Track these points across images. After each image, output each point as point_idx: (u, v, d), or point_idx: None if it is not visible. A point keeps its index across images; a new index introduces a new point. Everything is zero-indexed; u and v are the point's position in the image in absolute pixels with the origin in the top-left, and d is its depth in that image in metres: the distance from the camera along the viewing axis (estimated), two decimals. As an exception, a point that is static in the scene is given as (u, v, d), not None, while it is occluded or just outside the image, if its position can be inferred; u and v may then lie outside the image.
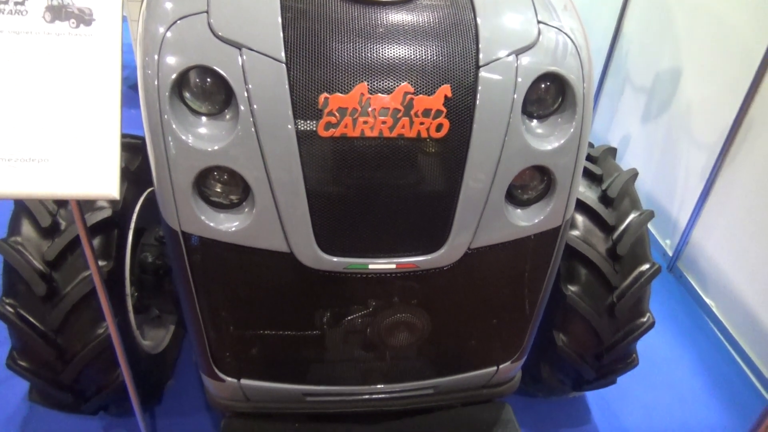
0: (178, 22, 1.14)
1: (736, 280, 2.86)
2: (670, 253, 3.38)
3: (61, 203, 1.85)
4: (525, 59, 1.24)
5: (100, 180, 1.21)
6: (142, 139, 2.18)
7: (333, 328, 1.44)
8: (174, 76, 1.13)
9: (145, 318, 2.35)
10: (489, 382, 1.66)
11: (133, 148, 2.06)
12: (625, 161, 3.94)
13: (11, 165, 1.19)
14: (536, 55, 1.25)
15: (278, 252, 1.29)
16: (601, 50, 4.26)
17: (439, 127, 1.20)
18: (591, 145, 2.33)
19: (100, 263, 1.79)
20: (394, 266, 1.33)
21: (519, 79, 1.23)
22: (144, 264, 2.12)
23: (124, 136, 2.10)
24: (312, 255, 1.30)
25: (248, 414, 1.61)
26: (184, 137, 1.17)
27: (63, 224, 1.82)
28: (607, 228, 2.03)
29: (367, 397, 1.58)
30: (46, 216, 1.80)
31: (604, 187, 2.10)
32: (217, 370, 1.50)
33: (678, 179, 3.35)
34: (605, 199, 2.07)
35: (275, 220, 1.25)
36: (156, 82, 1.14)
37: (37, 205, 1.81)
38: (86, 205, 1.86)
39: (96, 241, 1.84)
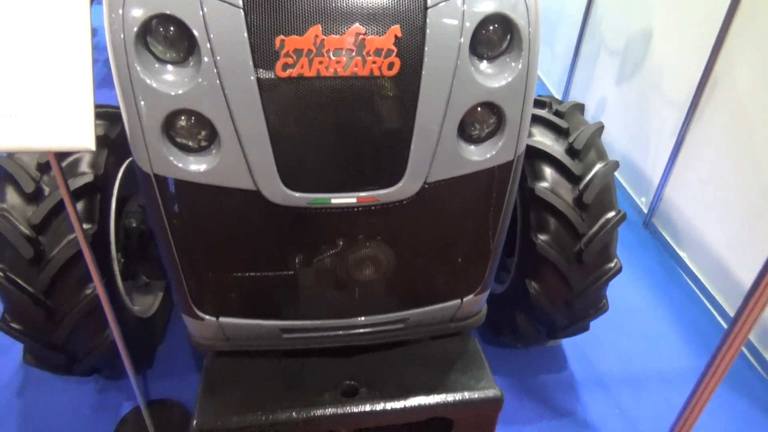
0: None
1: (706, 232, 2.97)
2: (645, 210, 3.48)
3: (44, 169, 1.91)
4: (471, 1, 1.31)
5: (76, 133, 1.27)
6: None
7: (302, 264, 1.52)
8: (138, 25, 1.20)
9: (134, 285, 2.42)
10: (455, 315, 1.75)
11: (112, 117, 2.12)
12: (601, 121, 4.02)
13: (-10, 120, 1.25)
14: None
15: (245, 190, 1.36)
16: (576, 15, 4.32)
17: (390, 66, 1.28)
18: (559, 101, 2.41)
19: (85, 226, 1.85)
20: (354, 200, 1.41)
21: (466, 20, 1.31)
22: (129, 229, 2.19)
23: (103, 106, 2.17)
24: (277, 191, 1.38)
25: (229, 353, 1.70)
26: (150, 83, 1.24)
27: (47, 190, 1.88)
28: (573, 178, 2.11)
29: (341, 332, 1.68)
30: (29, 182, 1.86)
31: (570, 140, 2.17)
32: (196, 309, 1.58)
33: (651, 138, 3.44)
34: (572, 151, 2.15)
35: (241, 159, 1.32)
36: (122, 36, 1.20)
37: (20, 171, 1.87)
38: (69, 171, 1.92)
39: (79, 206, 1.90)
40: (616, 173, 2.18)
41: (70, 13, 1.25)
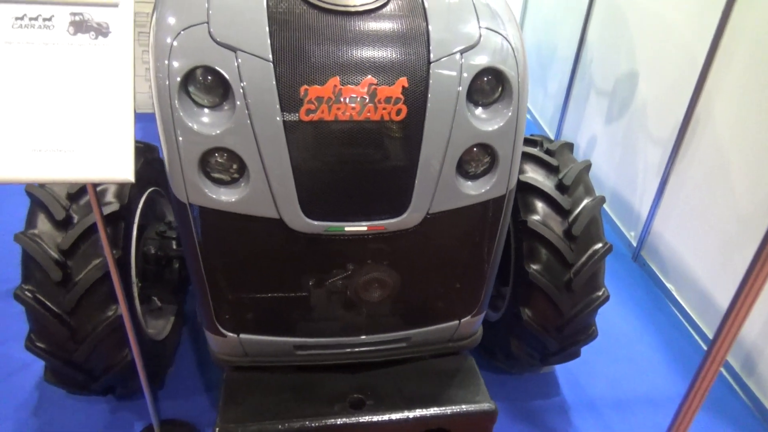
0: (183, 32, 1.40)
1: (692, 265, 3.12)
2: (635, 244, 3.64)
3: (73, 198, 2.06)
4: (469, 57, 1.52)
5: (118, 166, 1.43)
6: (143, 143, 2.41)
7: (317, 285, 1.68)
8: (181, 75, 1.39)
9: (147, 308, 2.55)
10: (453, 335, 1.90)
11: (135, 152, 2.28)
12: (593, 160, 4.21)
13: (41, 155, 1.41)
14: (478, 53, 1.53)
15: (270, 218, 1.54)
16: (568, 58, 4.56)
17: (398, 112, 1.47)
18: (549, 141, 2.59)
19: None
20: (365, 228, 1.59)
21: (464, 74, 1.51)
22: (147, 255, 2.33)
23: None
24: (297, 220, 1.55)
25: (246, 368, 1.83)
26: (190, 124, 1.42)
27: (75, 217, 2.03)
28: (563, 212, 2.27)
29: (349, 349, 1.83)
30: (60, 210, 2.01)
31: (560, 176, 2.35)
32: (219, 327, 1.73)
33: (638, 174, 3.62)
34: (561, 186, 2.32)
35: (267, 191, 1.50)
36: (167, 82, 1.39)
37: (52, 200, 2.02)
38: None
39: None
40: (606, 208, 2.35)
41: (117, 65, 1.42)
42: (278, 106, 1.42)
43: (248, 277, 1.66)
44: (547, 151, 2.48)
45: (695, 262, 3.09)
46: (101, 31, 1.43)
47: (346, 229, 1.57)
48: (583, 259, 2.25)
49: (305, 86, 1.42)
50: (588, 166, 2.44)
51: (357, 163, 1.52)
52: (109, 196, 2.10)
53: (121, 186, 2.14)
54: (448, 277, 1.78)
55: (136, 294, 2.22)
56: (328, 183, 1.53)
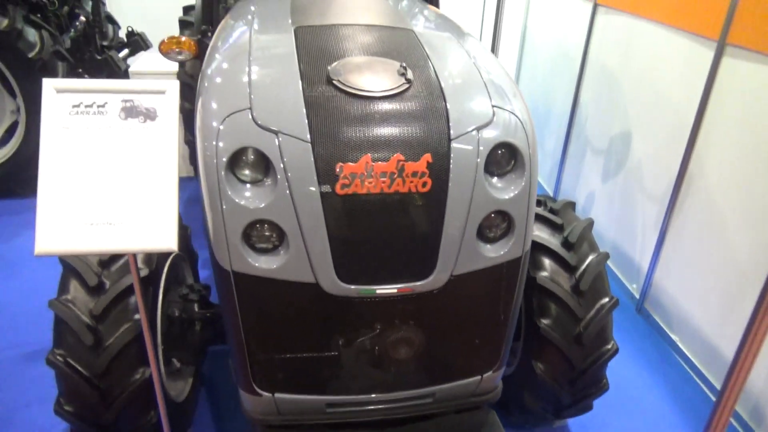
0: (228, 117, 1.56)
1: (694, 315, 3.21)
2: (637, 296, 3.73)
3: (105, 265, 2.16)
4: (484, 133, 1.69)
5: (163, 236, 1.55)
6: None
7: (349, 344, 1.77)
8: (228, 155, 1.53)
9: (168, 371, 2.61)
10: (476, 390, 1.98)
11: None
12: (592, 215, 4.36)
13: (94, 227, 1.53)
14: (492, 130, 1.70)
15: (307, 283, 1.66)
16: (563, 118, 4.78)
17: (424, 184, 1.62)
18: (553, 200, 2.73)
19: (137, 316, 2.09)
20: (395, 290, 1.70)
21: (480, 147, 1.67)
22: (171, 318, 2.41)
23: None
24: (333, 284, 1.67)
25: (278, 426, 1.89)
26: (236, 199, 1.56)
27: (107, 283, 2.13)
28: (570, 268, 2.38)
29: (377, 406, 1.90)
30: (92, 276, 2.11)
31: (565, 234, 2.47)
32: (256, 387, 1.80)
33: (637, 229, 3.76)
34: (567, 244, 2.44)
35: (305, 258, 1.62)
36: (215, 161, 1.53)
37: (85, 267, 2.12)
38: (126, 268, 2.17)
39: (134, 298, 2.14)
40: (608, 262, 2.45)
41: (163, 145, 1.57)
42: (316, 182, 1.56)
43: (285, 338, 1.75)
44: (551, 210, 2.62)
45: (698, 312, 3.18)
46: (149, 115, 1.58)
47: (378, 291, 1.69)
48: (592, 313, 2.34)
49: (340, 163, 1.57)
50: (591, 224, 2.56)
51: (387, 231, 1.65)
52: (139, 263, 2.20)
53: (149, 253, 2.25)
54: (471, 334, 1.88)
55: (161, 356, 2.29)
56: (361, 250, 1.66)
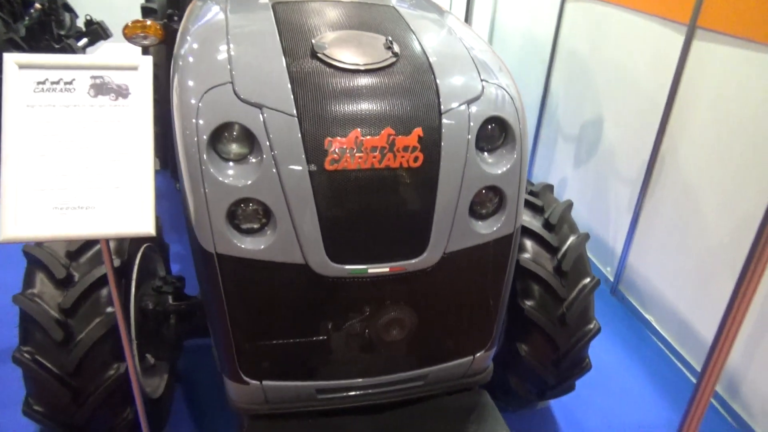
0: (207, 92, 1.48)
1: (669, 296, 3.26)
2: (611, 279, 3.78)
3: (73, 256, 2.05)
4: (474, 107, 1.65)
5: (139, 220, 1.46)
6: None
7: (339, 327, 1.71)
8: (209, 132, 1.45)
9: (142, 367, 2.51)
10: (468, 371, 1.95)
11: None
12: (564, 199, 4.39)
13: (64, 212, 1.43)
14: (482, 104, 1.66)
15: (296, 264, 1.59)
16: (533, 104, 4.80)
17: (415, 159, 1.57)
18: (532, 183, 2.72)
19: (111, 309, 1.99)
20: (387, 269, 1.65)
21: (471, 123, 1.63)
22: (145, 311, 2.31)
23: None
24: (323, 264, 1.60)
25: (266, 415, 1.82)
26: (219, 178, 1.47)
27: (76, 275, 2.02)
28: (552, 249, 2.38)
29: (368, 390, 1.85)
30: (60, 268, 2.00)
31: (546, 216, 2.46)
32: (242, 375, 1.73)
33: (611, 212, 3.80)
34: (548, 225, 2.43)
35: (293, 238, 1.55)
36: (195, 139, 1.45)
37: (51, 258, 2.01)
38: (96, 259, 2.07)
39: (105, 290, 2.04)
40: (583, 246, 2.45)
41: (136, 124, 1.48)
42: (304, 157, 1.49)
43: (273, 323, 1.68)
44: (531, 192, 2.61)
45: (672, 293, 3.23)
46: (121, 92, 1.49)
47: (369, 271, 1.63)
48: (574, 293, 2.34)
49: (329, 138, 1.50)
50: (570, 206, 2.57)
51: (379, 208, 1.60)
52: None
53: (120, 242, 2.14)
54: (463, 313, 1.84)
55: (135, 351, 2.19)
56: (351, 228, 1.60)
